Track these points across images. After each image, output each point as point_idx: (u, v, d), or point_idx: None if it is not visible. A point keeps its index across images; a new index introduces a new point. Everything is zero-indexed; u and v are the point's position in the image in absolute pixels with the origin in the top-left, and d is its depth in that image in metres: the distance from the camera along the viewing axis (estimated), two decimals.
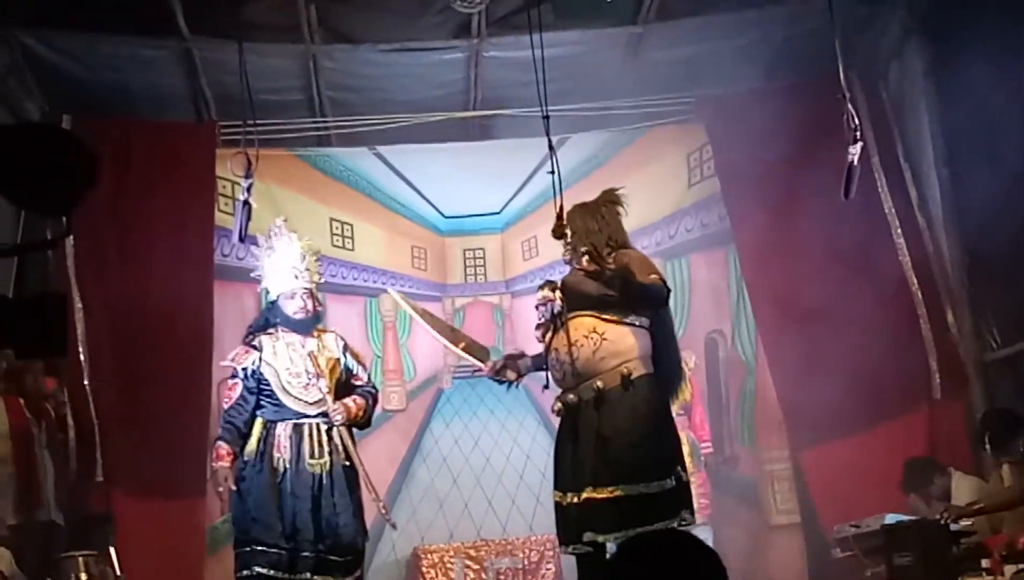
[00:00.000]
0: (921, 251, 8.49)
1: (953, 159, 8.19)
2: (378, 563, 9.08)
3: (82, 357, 8.15)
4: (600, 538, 5.50)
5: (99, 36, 8.15)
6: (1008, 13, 7.11)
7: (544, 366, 6.02)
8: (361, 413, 6.61)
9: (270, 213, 8.87)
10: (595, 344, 5.62)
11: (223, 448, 6.46)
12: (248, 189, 6.63)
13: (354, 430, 6.67)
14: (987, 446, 7.03)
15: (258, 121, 7.18)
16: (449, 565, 8.79)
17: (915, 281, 8.44)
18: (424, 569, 8.76)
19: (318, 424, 6.46)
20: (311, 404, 6.48)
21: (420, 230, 9.76)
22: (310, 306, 6.61)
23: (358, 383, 6.72)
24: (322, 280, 6.93)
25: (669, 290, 5.77)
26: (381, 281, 9.57)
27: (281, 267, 6.62)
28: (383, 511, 6.79)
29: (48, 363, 7.79)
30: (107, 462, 8.11)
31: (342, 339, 6.78)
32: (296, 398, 6.49)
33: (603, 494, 5.51)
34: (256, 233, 6.88)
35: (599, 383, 5.60)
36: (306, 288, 6.61)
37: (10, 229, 7.30)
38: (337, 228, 9.53)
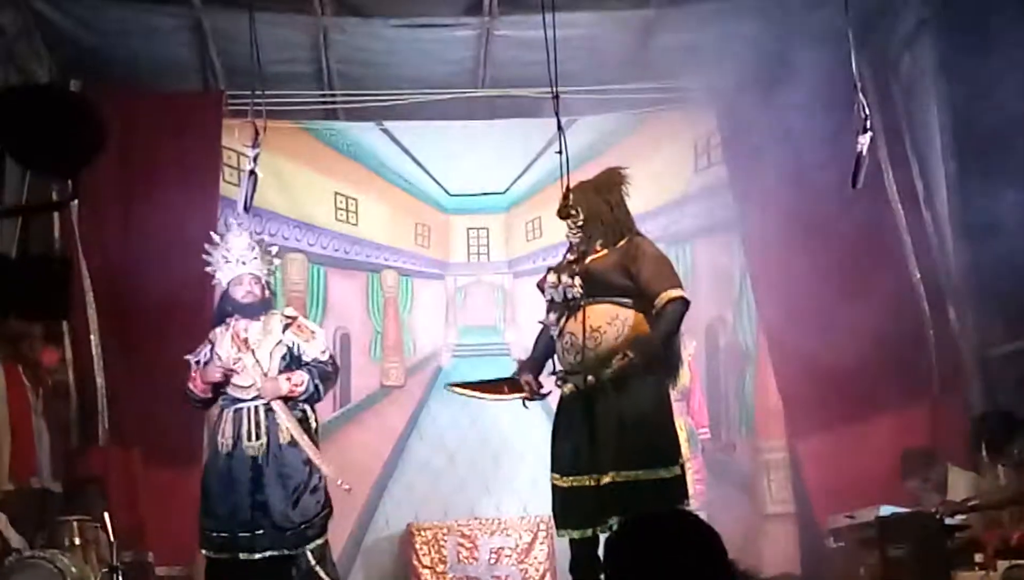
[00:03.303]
0: (926, 244, 8.48)
1: (961, 153, 8.16)
2: (371, 539, 9.10)
3: (91, 322, 8.18)
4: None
5: (110, 2, 8.14)
6: (1022, 7, 7.08)
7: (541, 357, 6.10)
8: (300, 388, 6.70)
9: (275, 185, 8.91)
10: (618, 331, 5.66)
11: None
12: (255, 159, 6.64)
13: (308, 406, 6.82)
14: (983, 449, 7.03)
15: (266, 92, 7.18)
16: (442, 542, 8.80)
17: (918, 274, 8.43)
18: (417, 546, 8.77)
19: (256, 407, 6.62)
20: (246, 388, 6.65)
21: (424, 207, 9.73)
22: (256, 291, 6.79)
23: (305, 359, 6.80)
24: (270, 275, 7.03)
25: (687, 302, 5.79)
26: (384, 257, 9.57)
27: (230, 257, 6.81)
28: (340, 484, 6.84)
29: (48, 330, 7.81)
30: (107, 429, 8.14)
31: (288, 318, 6.90)
32: (235, 384, 6.68)
33: (626, 478, 5.52)
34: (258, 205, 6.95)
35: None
36: (253, 274, 6.78)
37: (16, 190, 7.29)
38: (341, 202, 9.51)
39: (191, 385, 6.78)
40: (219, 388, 6.74)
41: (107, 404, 8.21)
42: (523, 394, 6.09)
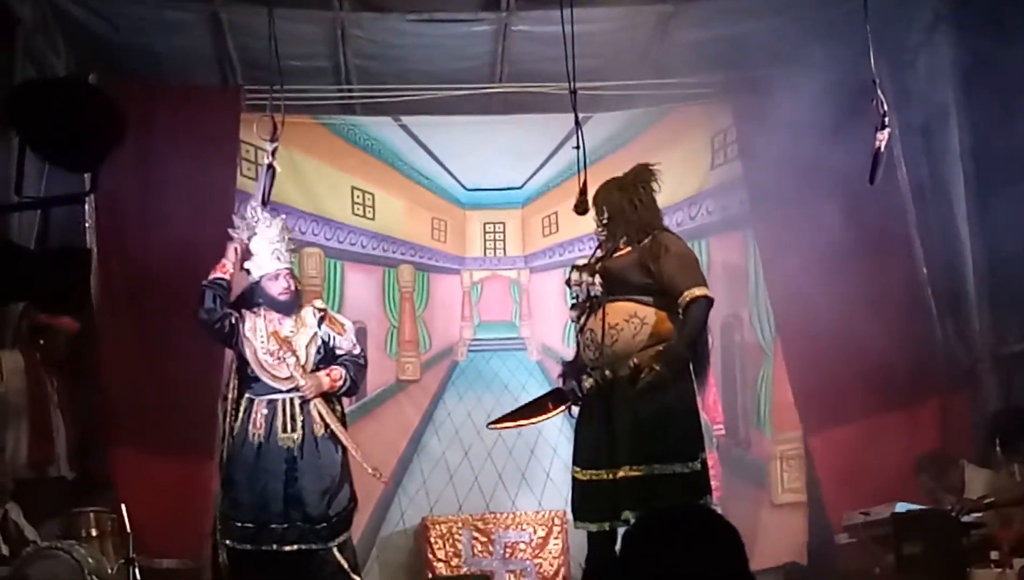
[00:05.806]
0: (940, 242, 8.45)
1: (979, 150, 8.14)
2: (386, 532, 9.12)
3: (94, 314, 8.21)
4: (635, 516, 5.49)
5: None
6: None
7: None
8: (339, 384, 6.70)
9: (292, 179, 8.92)
10: (636, 328, 5.64)
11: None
12: (273, 153, 6.66)
13: (344, 398, 6.85)
14: (998, 446, 7.01)
15: (284, 87, 7.19)
16: (457, 536, 8.81)
17: (933, 272, 8.42)
18: (432, 539, 8.78)
19: (291, 399, 6.58)
20: (283, 380, 6.59)
21: (441, 202, 9.73)
22: (293, 286, 6.74)
23: (340, 353, 6.78)
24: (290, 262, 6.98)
25: (711, 300, 5.78)
26: (400, 251, 9.58)
27: (262, 248, 6.71)
28: (373, 473, 6.85)
29: (72, 321, 7.85)
30: (118, 421, 8.18)
31: (321, 310, 6.84)
32: (271, 374, 6.61)
33: (639, 472, 5.52)
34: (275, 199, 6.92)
35: (636, 360, 5.61)
36: (288, 268, 6.74)
37: (35, 182, 7.30)
38: (358, 197, 9.53)
39: (214, 274, 6.65)
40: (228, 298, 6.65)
41: (115, 396, 8.23)
42: (568, 404, 6.07)
